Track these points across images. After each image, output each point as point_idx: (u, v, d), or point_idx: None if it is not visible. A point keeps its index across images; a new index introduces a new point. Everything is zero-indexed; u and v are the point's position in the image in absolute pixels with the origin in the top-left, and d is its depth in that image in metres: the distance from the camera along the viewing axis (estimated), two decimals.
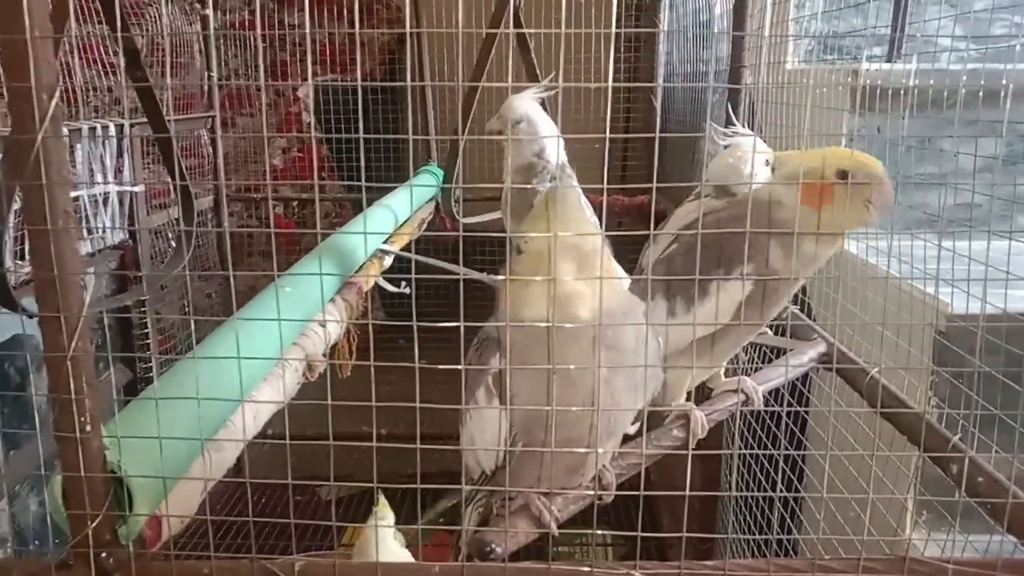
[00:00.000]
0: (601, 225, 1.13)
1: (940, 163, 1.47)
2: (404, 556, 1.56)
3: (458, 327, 0.89)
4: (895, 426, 1.33)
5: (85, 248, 2.47)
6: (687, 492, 0.89)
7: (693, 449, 1.26)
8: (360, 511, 3.20)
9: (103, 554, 0.89)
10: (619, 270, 1.24)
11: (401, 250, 2.32)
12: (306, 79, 4.35)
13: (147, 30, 3.06)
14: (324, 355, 1.53)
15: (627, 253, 1.38)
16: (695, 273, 1.13)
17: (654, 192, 0.96)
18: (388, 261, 2.24)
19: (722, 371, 1.49)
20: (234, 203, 4.31)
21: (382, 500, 1.65)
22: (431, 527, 3.00)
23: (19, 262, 1.91)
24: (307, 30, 2.21)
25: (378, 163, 4.06)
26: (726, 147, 1.63)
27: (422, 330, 0.86)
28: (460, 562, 0.93)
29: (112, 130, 2.51)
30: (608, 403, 1.04)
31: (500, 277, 1.07)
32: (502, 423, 1.07)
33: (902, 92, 1.50)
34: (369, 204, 2.42)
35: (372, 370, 0.89)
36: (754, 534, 2.14)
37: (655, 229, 1.14)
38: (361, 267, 2.04)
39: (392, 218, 2.47)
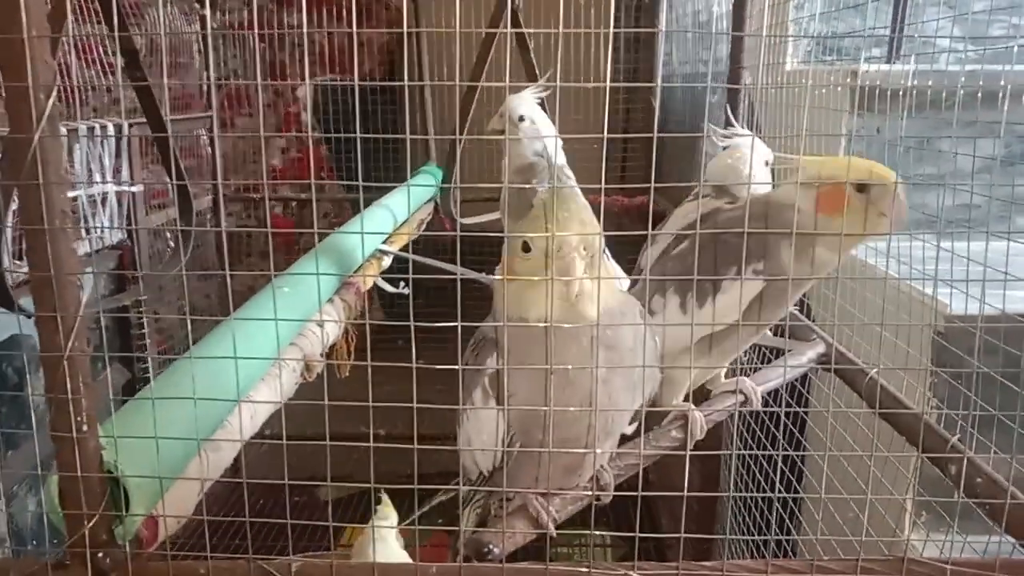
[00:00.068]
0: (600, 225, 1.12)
1: (939, 164, 1.47)
2: (404, 557, 1.55)
3: (456, 327, 0.89)
4: (894, 427, 1.33)
5: (83, 248, 2.47)
6: (686, 493, 0.89)
7: (691, 450, 1.26)
8: (358, 512, 3.19)
9: (100, 554, 0.89)
10: (617, 270, 1.25)
11: (400, 250, 2.32)
12: (305, 79, 4.35)
13: (146, 30, 3.05)
14: (322, 355, 1.53)
15: (626, 253, 1.38)
16: (710, 268, 1.13)
17: (652, 192, 0.96)
18: (387, 261, 2.24)
19: (722, 372, 1.49)
20: (233, 203, 4.31)
21: (385, 499, 1.64)
22: (430, 527, 2.99)
23: (17, 262, 1.91)
24: (305, 30, 2.22)
25: (377, 163, 4.06)
26: (725, 148, 1.63)
27: (420, 330, 0.86)
28: (458, 563, 0.93)
29: (111, 130, 2.51)
30: (606, 403, 1.04)
31: (498, 277, 1.06)
32: (499, 424, 1.07)
33: (901, 93, 1.50)
34: (368, 204, 2.41)
35: (370, 370, 0.88)
36: (753, 535, 2.14)
37: (653, 229, 1.14)
38: (360, 267, 2.04)
39: (391, 218, 2.47)
